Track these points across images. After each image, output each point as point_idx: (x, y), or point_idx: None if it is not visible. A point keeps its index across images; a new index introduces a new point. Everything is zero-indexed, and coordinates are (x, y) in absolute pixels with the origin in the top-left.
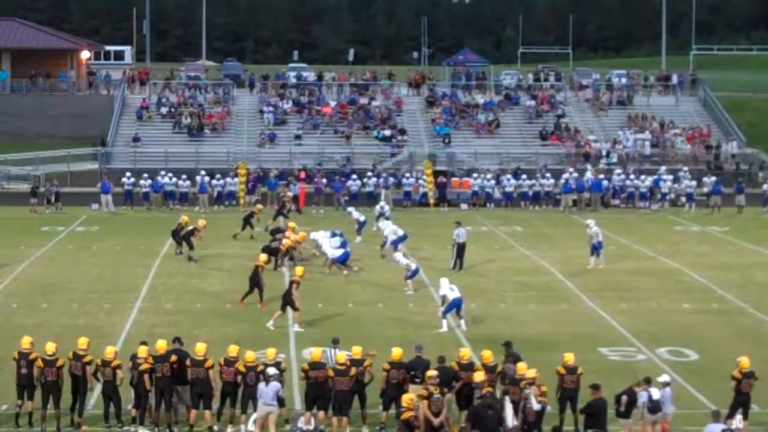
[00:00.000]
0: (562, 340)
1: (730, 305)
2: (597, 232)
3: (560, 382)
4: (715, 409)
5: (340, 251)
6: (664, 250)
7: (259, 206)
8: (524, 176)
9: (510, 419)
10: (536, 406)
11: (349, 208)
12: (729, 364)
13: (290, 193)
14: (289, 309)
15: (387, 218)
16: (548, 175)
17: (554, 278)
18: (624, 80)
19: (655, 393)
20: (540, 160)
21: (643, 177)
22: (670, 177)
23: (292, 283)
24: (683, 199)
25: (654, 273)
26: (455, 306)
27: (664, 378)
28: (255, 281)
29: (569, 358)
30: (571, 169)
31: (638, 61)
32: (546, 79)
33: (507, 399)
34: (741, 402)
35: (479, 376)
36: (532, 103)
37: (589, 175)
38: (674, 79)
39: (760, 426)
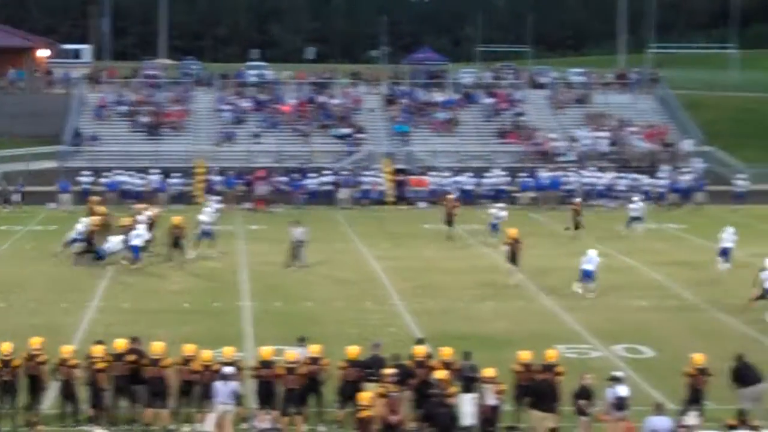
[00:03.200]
0: (520, 338)
1: (686, 302)
2: (725, 238)
3: (516, 380)
4: (659, 401)
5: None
6: (621, 247)
7: (577, 200)
8: (499, 173)
9: (468, 417)
10: (491, 402)
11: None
12: (684, 361)
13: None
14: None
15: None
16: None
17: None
18: (582, 78)
19: (623, 390)
20: (498, 158)
21: (600, 175)
22: (631, 175)
23: None
24: (638, 196)
25: (610, 270)
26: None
27: (621, 375)
28: None
29: (524, 356)
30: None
31: (597, 60)
32: (504, 78)
33: (464, 396)
34: (694, 398)
35: (441, 374)
36: (491, 101)
37: (546, 173)
38: (632, 77)
39: (716, 422)
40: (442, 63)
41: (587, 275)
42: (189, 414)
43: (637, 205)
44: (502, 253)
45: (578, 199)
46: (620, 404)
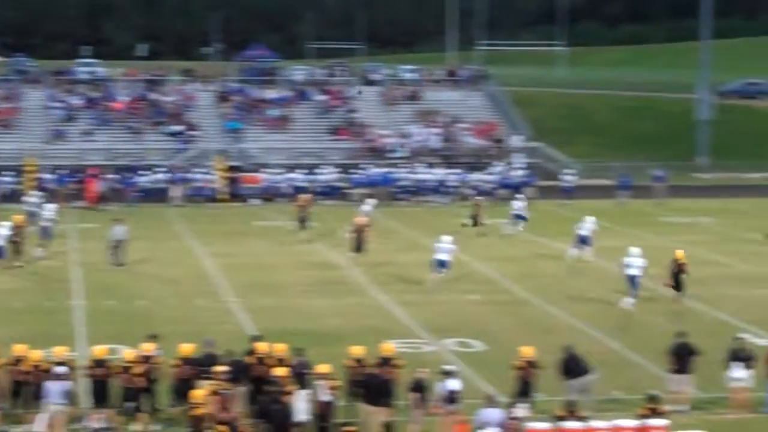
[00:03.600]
0: (353, 333)
1: (516, 296)
2: (582, 227)
3: (349, 375)
4: (490, 394)
5: None
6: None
7: (478, 198)
8: (331, 170)
9: (301, 413)
10: (325, 399)
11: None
12: (514, 354)
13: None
14: None
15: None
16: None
17: (343, 272)
18: (413, 75)
19: (454, 384)
20: (330, 155)
21: (431, 171)
22: (457, 171)
23: None
24: (469, 192)
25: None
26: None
27: (453, 369)
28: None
29: (356, 351)
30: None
31: (428, 57)
32: (336, 75)
33: (299, 393)
34: (524, 391)
35: (280, 371)
36: (323, 98)
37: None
38: (462, 74)
39: (545, 414)
40: (275, 60)
41: (441, 264)
42: (20, 415)
43: (520, 203)
44: (345, 250)
45: (480, 197)
46: (451, 398)
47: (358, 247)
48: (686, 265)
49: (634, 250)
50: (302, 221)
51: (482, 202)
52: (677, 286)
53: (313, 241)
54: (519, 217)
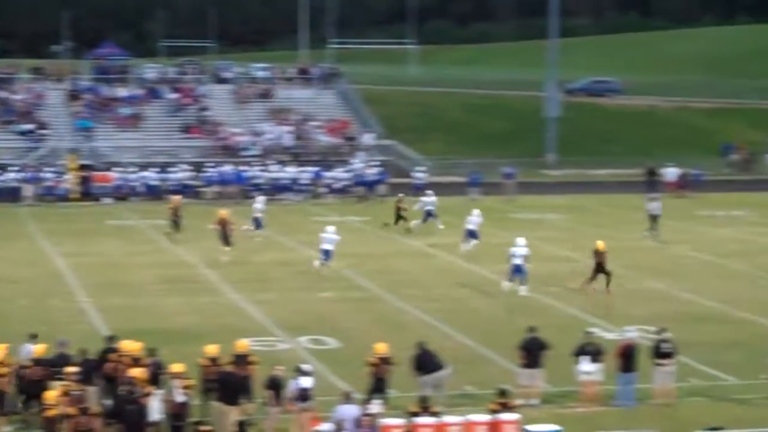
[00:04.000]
0: (207, 332)
1: (369, 293)
2: (470, 221)
3: (203, 374)
4: (346, 390)
5: None
6: (304, 240)
7: (401, 195)
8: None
9: (155, 412)
10: (179, 399)
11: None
12: (369, 351)
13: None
14: None
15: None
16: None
17: (196, 270)
18: (265, 73)
19: (306, 382)
20: (182, 153)
21: (285, 169)
22: (312, 169)
23: None
24: (323, 190)
25: (295, 263)
26: None
27: (307, 367)
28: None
29: (210, 350)
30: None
31: (280, 55)
32: (188, 73)
33: (153, 393)
34: (378, 387)
35: (137, 371)
36: (175, 96)
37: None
38: (314, 72)
39: (399, 410)
40: (126, 58)
41: (326, 255)
42: None
43: (430, 199)
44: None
45: (401, 194)
46: (303, 395)
47: (226, 239)
48: (606, 254)
49: (520, 240)
50: (176, 222)
51: (404, 198)
52: (605, 275)
53: (180, 241)
54: (429, 214)
